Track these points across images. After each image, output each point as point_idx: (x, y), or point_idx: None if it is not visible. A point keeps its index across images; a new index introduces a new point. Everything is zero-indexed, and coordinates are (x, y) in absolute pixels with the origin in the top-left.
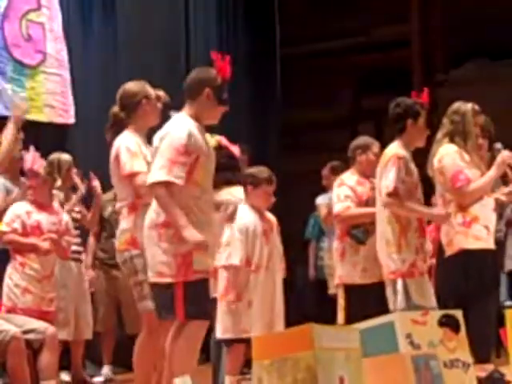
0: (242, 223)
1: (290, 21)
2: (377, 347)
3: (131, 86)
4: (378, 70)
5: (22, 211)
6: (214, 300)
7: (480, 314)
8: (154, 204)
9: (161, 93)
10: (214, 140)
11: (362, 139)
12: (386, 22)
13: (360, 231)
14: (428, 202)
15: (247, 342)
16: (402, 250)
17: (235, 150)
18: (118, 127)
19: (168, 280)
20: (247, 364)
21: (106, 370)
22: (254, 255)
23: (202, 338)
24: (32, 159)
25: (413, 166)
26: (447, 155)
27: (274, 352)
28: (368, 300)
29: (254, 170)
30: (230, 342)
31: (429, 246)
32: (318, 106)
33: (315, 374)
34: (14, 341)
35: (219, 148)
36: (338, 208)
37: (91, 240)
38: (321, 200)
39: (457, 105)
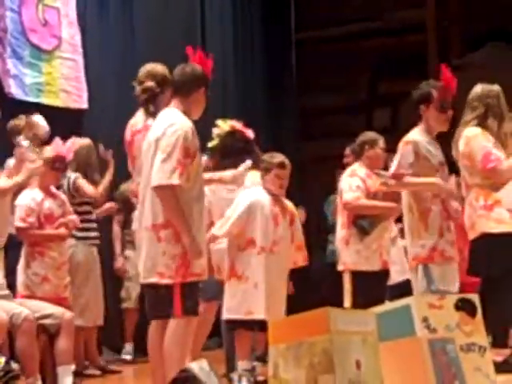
0: (249, 199)
1: (304, 5)
2: (393, 331)
3: (160, 67)
4: (394, 55)
5: (33, 203)
6: (222, 282)
7: (500, 299)
8: (148, 205)
9: None
10: (226, 125)
11: (369, 134)
12: (401, 7)
13: (366, 221)
14: None
15: (253, 325)
16: (422, 234)
17: (249, 133)
18: (153, 103)
19: (167, 281)
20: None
21: (129, 346)
22: (258, 237)
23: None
24: (69, 148)
25: (433, 150)
26: (474, 137)
27: (290, 336)
28: (373, 286)
29: (267, 155)
30: (236, 325)
31: None
32: (333, 92)
33: (331, 358)
34: (25, 322)
35: (233, 132)
36: (348, 197)
37: (115, 228)
38: None
39: (486, 87)
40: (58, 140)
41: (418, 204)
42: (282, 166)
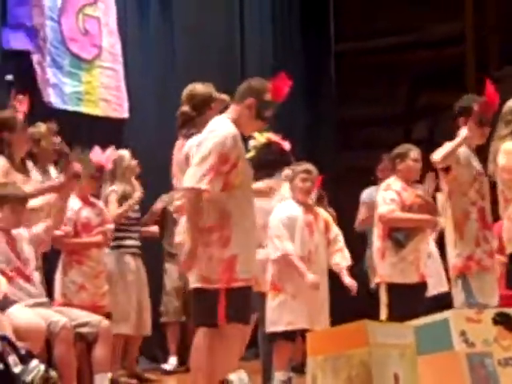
0: (284, 215)
1: (343, 17)
2: (431, 345)
3: (201, 87)
4: (432, 67)
5: (70, 212)
6: (263, 294)
7: None
8: None
9: (224, 96)
10: (263, 137)
11: (400, 147)
12: (439, 19)
13: (401, 234)
14: None
15: (293, 336)
16: (457, 244)
17: (286, 145)
18: (189, 126)
19: (212, 286)
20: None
21: (173, 359)
22: (296, 248)
23: (244, 340)
24: (108, 158)
25: (472, 161)
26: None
27: (328, 348)
28: (409, 299)
29: (293, 165)
30: (275, 337)
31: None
32: (372, 103)
33: (370, 371)
34: (63, 330)
35: (269, 144)
36: (383, 210)
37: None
38: (365, 196)
39: None
40: (97, 149)
41: (454, 213)
42: (306, 171)
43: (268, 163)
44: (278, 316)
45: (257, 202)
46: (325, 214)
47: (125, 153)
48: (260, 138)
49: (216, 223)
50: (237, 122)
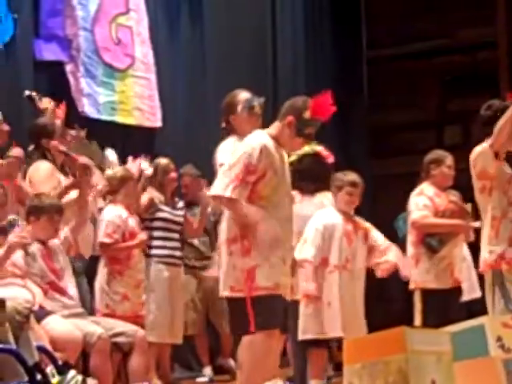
0: (321, 223)
1: (376, 23)
2: (467, 351)
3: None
4: (465, 72)
5: (119, 220)
6: (296, 302)
7: None
8: (225, 220)
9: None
10: (310, 148)
11: (436, 153)
12: (472, 24)
13: (435, 240)
14: None
15: (328, 344)
16: (492, 241)
17: (331, 158)
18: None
19: (238, 295)
20: (337, 367)
21: (208, 370)
22: (332, 256)
23: (277, 346)
24: (139, 166)
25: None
26: None
27: (365, 355)
28: (444, 304)
29: (339, 173)
30: (310, 345)
31: None
32: (404, 109)
33: (407, 378)
34: (99, 341)
35: (314, 155)
36: (415, 216)
37: None
38: None
39: None
40: (130, 159)
41: (493, 210)
42: (353, 184)
43: (310, 175)
44: (310, 324)
45: (299, 208)
46: (364, 223)
47: (164, 161)
48: (306, 148)
49: (239, 233)
50: (277, 138)
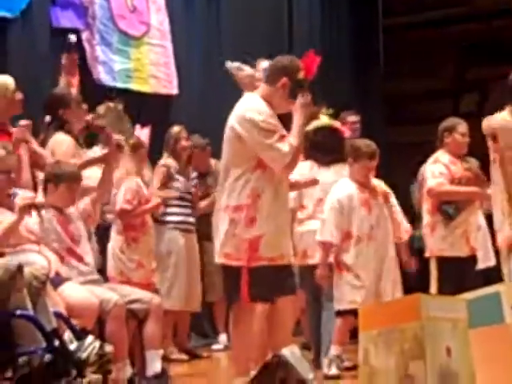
0: (335, 198)
1: None
2: (482, 318)
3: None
4: (481, 40)
5: (136, 186)
6: (313, 267)
7: None
8: (227, 187)
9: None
10: (327, 119)
11: (449, 120)
12: None
13: (451, 207)
14: None
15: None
16: (510, 217)
17: (346, 132)
18: None
19: (234, 263)
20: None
21: (224, 337)
22: (353, 227)
23: (291, 313)
24: (146, 134)
25: None
26: None
27: (381, 322)
28: (460, 272)
29: (359, 142)
30: (340, 313)
31: None
32: (420, 77)
33: (422, 344)
34: (115, 308)
35: (330, 129)
36: (431, 183)
37: None
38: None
39: None
40: (137, 126)
41: (508, 186)
42: (372, 156)
43: (324, 147)
44: (343, 294)
45: (317, 175)
46: (383, 186)
47: (175, 129)
48: (324, 120)
49: (245, 202)
50: (269, 101)
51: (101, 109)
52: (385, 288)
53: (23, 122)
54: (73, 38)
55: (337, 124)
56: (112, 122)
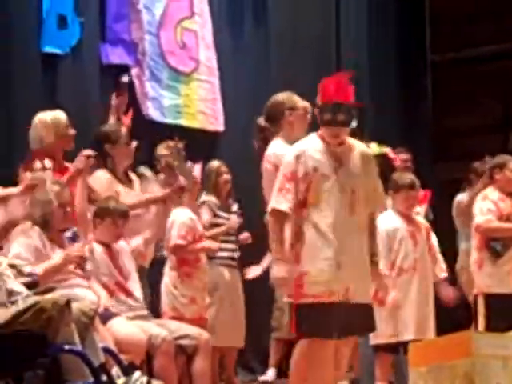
0: (382, 229)
1: (440, 26)
2: None
3: (278, 96)
4: None
5: (191, 222)
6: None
7: None
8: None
9: (306, 104)
10: (379, 149)
11: (500, 157)
12: None
13: (499, 244)
14: None
15: (396, 348)
16: None
17: (397, 162)
18: (264, 137)
19: (289, 300)
20: None
21: (272, 372)
22: (397, 259)
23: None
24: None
25: None
26: None
27: (431, 359)
28: (508, 309)
29: (396, 175)
30: (379, 349)
31: None
32: (469, 113)
33: (473, 382)
34: (164, 343)
35: (382, 157)
36: (479, 220)
37: None
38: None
39: None
40: (188, 163)
41: None
42: (411, 186)
43: (385, 178)
44: (382, 328)
45: None
46: (425, 223)
47: (215, 164)
48: (375, 149)
49: (291, 241)
50: (322, 137)
51: (161, 148)
52: (426, 324)
53: (86, 152)
54: (125, 78)
55: (387, 150)
56: (174, 160)
